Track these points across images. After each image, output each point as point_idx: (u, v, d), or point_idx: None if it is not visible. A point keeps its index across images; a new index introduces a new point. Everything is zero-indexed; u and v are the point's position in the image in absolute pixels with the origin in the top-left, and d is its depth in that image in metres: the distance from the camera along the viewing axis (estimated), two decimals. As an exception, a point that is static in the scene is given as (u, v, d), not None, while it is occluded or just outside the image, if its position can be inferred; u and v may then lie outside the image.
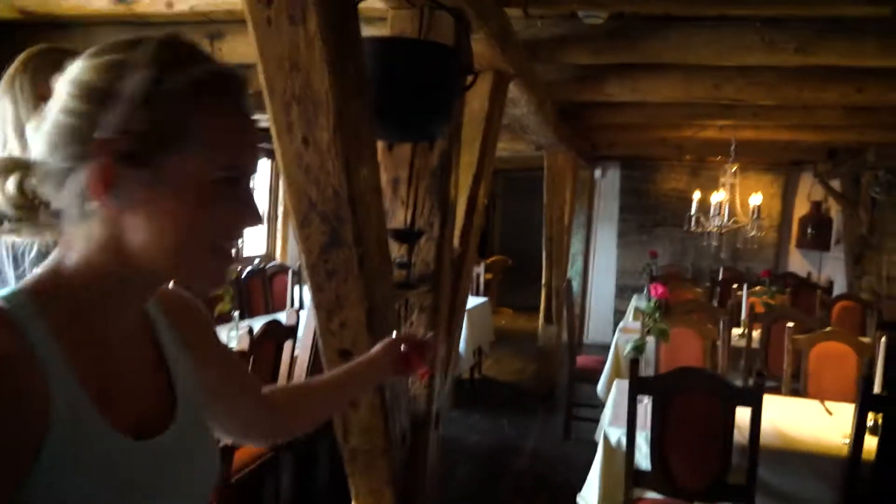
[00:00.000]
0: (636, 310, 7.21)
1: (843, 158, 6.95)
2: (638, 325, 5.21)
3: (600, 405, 5.28)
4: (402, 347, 1.24)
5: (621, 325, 5.77)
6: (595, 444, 3.06)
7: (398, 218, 2.12)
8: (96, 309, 0.75)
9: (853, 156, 6.76)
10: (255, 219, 0.77)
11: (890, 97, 3.57)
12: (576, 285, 9.16)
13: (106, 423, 0.71)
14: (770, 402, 3.20)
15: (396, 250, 2.11)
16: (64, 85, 0.71)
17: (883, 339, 2.94)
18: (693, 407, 2.57)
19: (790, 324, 3.77)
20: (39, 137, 0.72)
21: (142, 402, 0.79)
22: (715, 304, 6.52)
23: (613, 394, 3.42)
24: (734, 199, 5.36)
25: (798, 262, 8.50)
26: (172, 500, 0.78)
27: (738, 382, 4.80)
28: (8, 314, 0.68)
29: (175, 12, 2.75)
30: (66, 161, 0.70)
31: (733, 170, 5.23)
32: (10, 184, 0.72)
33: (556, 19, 3.17)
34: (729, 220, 5.33)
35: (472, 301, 6.53)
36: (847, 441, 2.75)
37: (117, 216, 0.72)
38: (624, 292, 8.98)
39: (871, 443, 2.54)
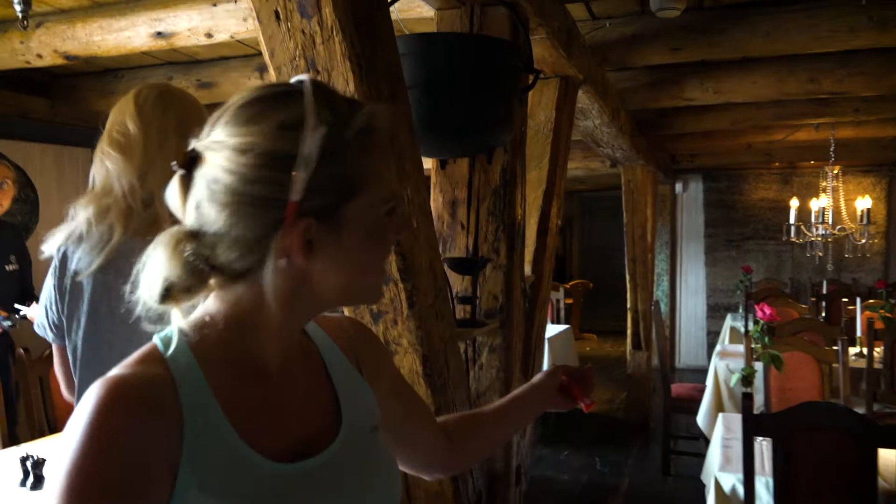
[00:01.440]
0: (732, 329, 6.70)
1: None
2: (738, 347, 4.75)
3: (700, 436, 4.84)
4: (563, 377, 1.17)
5: (718, 348, 5.29)
6: (698, 482, 2.67)
7: (459, 245, 1.85)
8: (248, 339, 0.77)
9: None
10: (408, 230, 0.86)
11: None
12: (663, 306, 8.67)
13: (248, 446, 0.72)
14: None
15: (459, 283, 1.84)
16: (234, 156, 0.70)
17: None
18: (823, 449, 2.16)
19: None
20: (216, 208, 0.71)
21: (303, 428, 0.80)
22: (822, 319, 5.95)
23: (720, 430, 3.01)
24: (838, 204, 4.84)
25: (911, 270, 7.75)
26: None
27: (861, 409, 4.27)
28: (164, 356, 0.72)
29: (216, 42, 2.59)
30: (258, 229, 0.71)
31: (835, 172, 4.72)
32: (183, 255, 0.72)
33: (625, 17, 2.87)
34: (835, 228, 4.81)
35: (553, 329, 6.18)
36: None
37: (306, 268, 0.73)
38: (716, 312, 8.43)
39: None
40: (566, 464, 5.26)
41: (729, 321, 7.22)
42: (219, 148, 0.71)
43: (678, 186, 8.53)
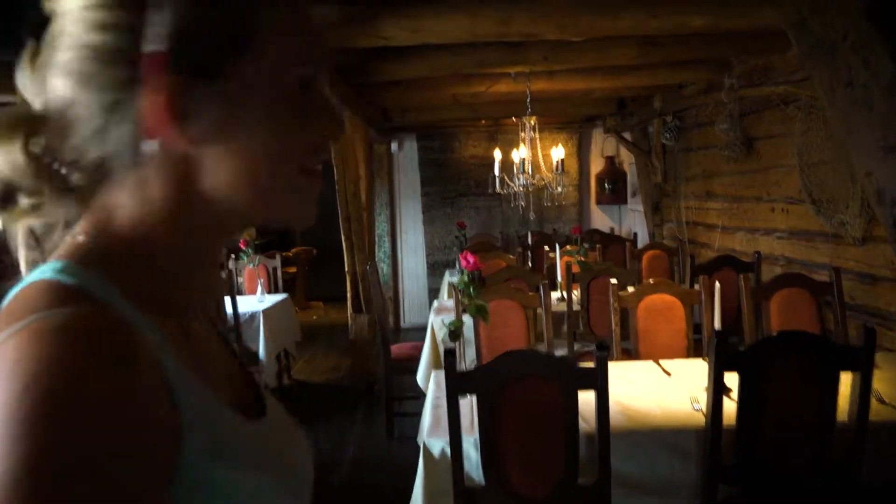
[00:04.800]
0: (450, 286, 6.83)
1: (631, 109, 6.96)
2: (453, 303, 4.74)
3: (422, 395, 4.79)
4: None
5: (435, 304, 5.27)
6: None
7: None
8: (171, 277, 0.60)
9: (641, 105, 6.77)
10: (340, 127, 0.62)
11: (685, 23, 3.27)
12: (386, 267, 8.64)
13: (221, 403, 0.58)
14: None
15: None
16: None
17: (717, 286, 2.60)
18: (528, 399, 2.03)
19: (613, 280, 3.41)
20: (55, 72, 0.54)
21: (233, 386, 0.67)
22: (529, 266, 6.26)
23: (432, 389, 2.84)
24: (536, 156, 4.99)
25: (600, 219, 8.55)
26: (299, 484, 0.66)
27: (564, 350, 4.49)
28: (89, 294, 0.52)
29: None
30: (106, 93, 0.53)
31: (532, 123, 4.85)
32: (18, 147, 0.54)
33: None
34: (534, 178, 4.96)
35: (270, 299, 5.74)
36: (698, 407, 2.38)
37: (185, 151, 0.55)
38: (436, 269, 8.60)
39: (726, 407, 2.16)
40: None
41: (447, 277, 7.35)
42: None
43: (394, 146, 8.48)
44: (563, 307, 4.55)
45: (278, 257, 6.55)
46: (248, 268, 6.23)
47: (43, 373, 0.44)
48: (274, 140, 0.58)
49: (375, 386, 5.94)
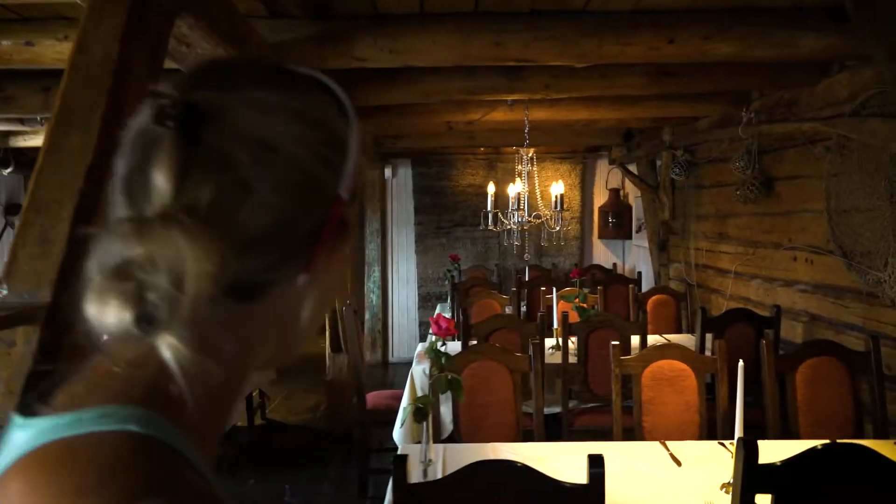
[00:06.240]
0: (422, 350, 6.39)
1: (638, 141, 6.54)
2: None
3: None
4: None
5: (419, 348, 4.82)
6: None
7: None
8: (211, 435, 0.55)
9: (648, 137, 6.36)
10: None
11: (708, 51, 2.85)
12: (375, 298, 8.21)
13: None
14: (602, 453, 2.33)
15: None
16: (296, 118, 0.55)
17: (741, 366, 2.14)
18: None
19: (614, 343, 2.95)
20: (268, 185, 0.52)
21: None
22: (524, 307, 5.82)
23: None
24: (533, 190, 4.55)
25: (603, 254, 8.10)
26: None
27: (557, 408, 4.03)
28: (182, 454, 0.48)
29: None
30: (310, 223, 0.55)
31: (529, 155, 4.42)
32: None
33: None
34: (530, 215, 4.52)
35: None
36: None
37: (307, 294, 0.58)
38: (427, 301, 8.16)
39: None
40: (249, 496, 4.43)
41: (438, 311, 6.93)
42: (271, 109, 0.53)
43: (387, 171, 8.07)
44: (558, 358, 4.10)
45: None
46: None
47: None
48: (342, 288, 0.63)
49: (354, 431, 5.47)
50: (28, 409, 0.48)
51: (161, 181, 0.49)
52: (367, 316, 8.24)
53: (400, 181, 8.16)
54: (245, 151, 0.51)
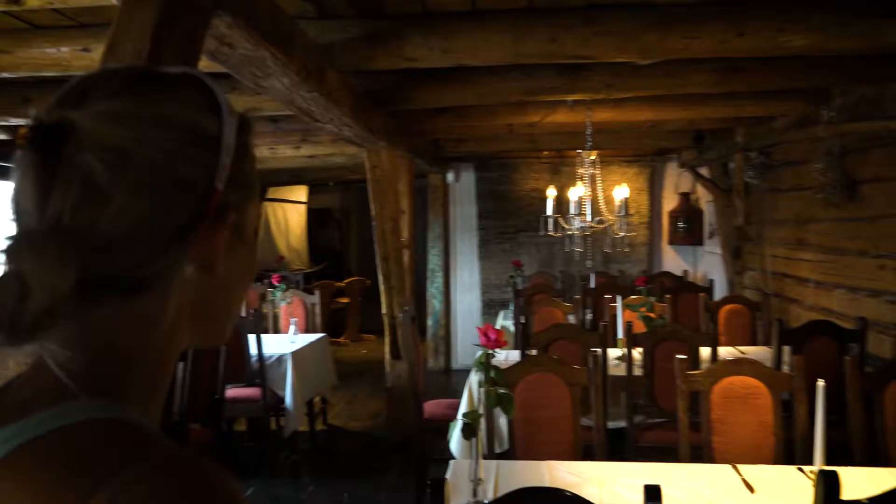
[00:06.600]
0: (503, 330, 6.24)
1: (709, 143, 6.25)
2: (499, 354, 4.17)
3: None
4: None
5: (477, 355, 4.67)
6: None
7: None
8: (155, 402, 0.63)
9: (720, 138, 6.06)
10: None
11: (783, 43, 2.64)
12: (437, 304, 8.13)
13: None
14: (667, 476, 2.17)
15: None
16: (150, 123, 0.57)
17: (821, 385, 1.93)
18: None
19: (680, 356, 2.76)
20: (123, 192, 0.55)
21: None
22: (589, 315, 5.62)
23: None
24: (596, 194, 4.38)
25: (672, 260, 7.80)
26: None
27: (622, 422, 3.84)
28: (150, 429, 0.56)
29: None
30: (180, 220, 0.58)
31: (591, 158, 4.25)
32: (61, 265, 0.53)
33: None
34: (593, 220, 4.34)
35: (304, 339, 5.28)
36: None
37: (206, 280, 0.61)
38: (491, 308, 8.03)
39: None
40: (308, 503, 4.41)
41: (500, 319, 6.78)
42: (119, 119, 0.56)
43: (450, 176, 7.99)
44: (623, 370, 3.92)
45: (317, 293, 6.11)
46: (283, 305, 5.81)
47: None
48: (248, 276, 0.68)
49: (412, 441, 5.39)
50: None
51: (27, 201, 0.54)
52: (429, 322, 8.17)
53: (463, 185, 8.07)
54: (99, 161, 0.54)
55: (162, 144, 0.57)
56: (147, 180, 0.56)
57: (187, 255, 0.58)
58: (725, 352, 4.20)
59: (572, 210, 4.34)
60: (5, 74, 3.00)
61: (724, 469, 2.39)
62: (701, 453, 2.75)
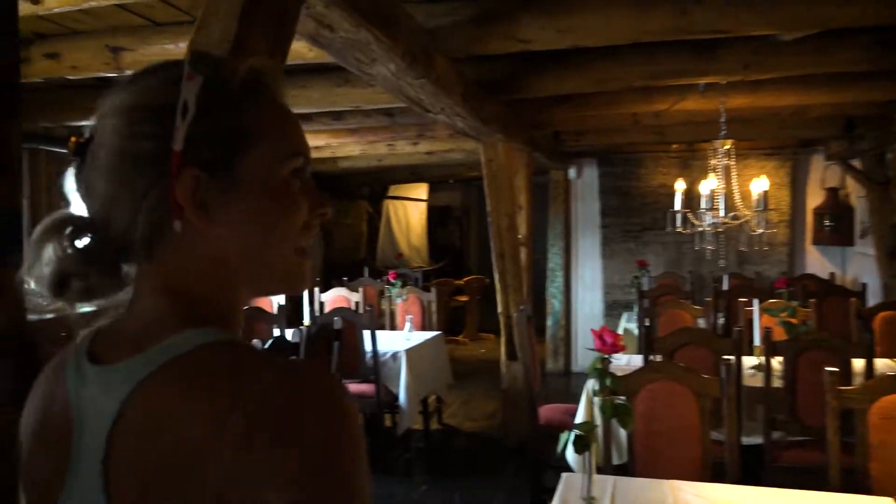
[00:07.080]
0: (626, 332, 5.92)
1: (862, 132, 5.63)
2: (619, 359, 3.91)
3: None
4: None
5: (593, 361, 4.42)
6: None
7: None
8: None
9: (876, 127, 5.45)
10: (328, 209, 0.75)
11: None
12: (557, 304, 7.88)
13: None
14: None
15: None
16: (115, 117, 0.69)
17: None
18: None
19: (830, 369, 2.42)
20: (101, 176, 0.68)
21: None
22: (721, 320, 5.20)
23: (557, 499, 2.07)
24: (730, 187, 4.00)
25: (817, 262, 7.14)
26: None
27: (758, 438, 3.47)
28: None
29: None
30: (144, 184, 0.66)
31: (726, 147, 3.88)
32: (65, 242, 0.69)
33: None
34: (727, 215, 3.97)
35: (419, 337, 5.22)
36: None
37: (206, 233, 0.68)
38: (614, 309, 7.68)
39: None
40: (421, 503, 4.33)
41: (623, 322, 6.45)
42: (102, 117, 0.69)
43: (572, 171, 7.72)
44: (759, 381, 3.55)
45: (434, 291, 6.04)
46: (399, 302, 5.78)
47: (339, 398, 0.61)
48: (274, 222, 0.70)
49: (526, 445, 5.20)
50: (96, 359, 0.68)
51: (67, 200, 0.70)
52: (548, 322, 7.93)
53: (585, 181, 7.78)
54: (91, 157, 0.68)
55: (121, 130, 0.66)
56: (111, 163, 0.66)
57: (171, 214, 0.65)
58: (883, 364, 3.72)
59: (703, 205, 3.99)
60: (129, 72, 3.08)
61: (885, 503, 2.05)
62: (853, 480, 2.40)
